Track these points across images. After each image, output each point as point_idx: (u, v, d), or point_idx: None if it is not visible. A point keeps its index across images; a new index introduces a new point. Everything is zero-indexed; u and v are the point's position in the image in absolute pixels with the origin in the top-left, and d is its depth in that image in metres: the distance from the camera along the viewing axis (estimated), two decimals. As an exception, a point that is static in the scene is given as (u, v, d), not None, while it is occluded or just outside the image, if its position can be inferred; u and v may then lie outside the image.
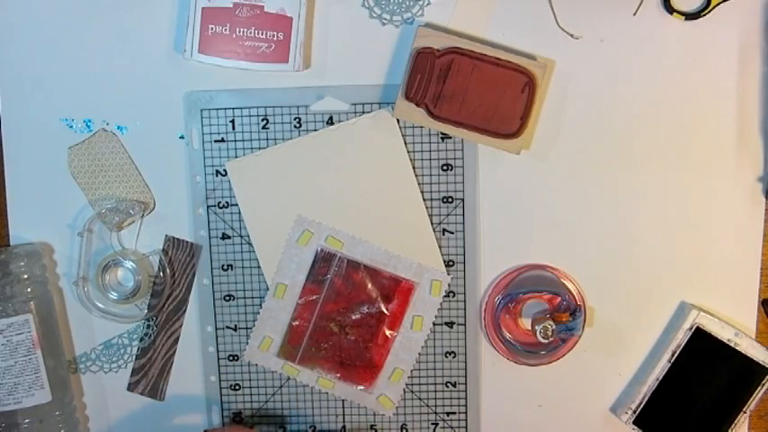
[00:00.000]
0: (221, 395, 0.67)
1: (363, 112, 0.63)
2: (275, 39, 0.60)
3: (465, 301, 0.65)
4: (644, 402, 0.64)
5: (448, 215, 0.64)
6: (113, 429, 0.68)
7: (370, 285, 0.64)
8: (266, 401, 0.67)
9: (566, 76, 0.62)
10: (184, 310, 0.66)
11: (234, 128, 0.64)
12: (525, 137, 0.61)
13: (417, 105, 0.60)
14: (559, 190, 0.64)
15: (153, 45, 0.63)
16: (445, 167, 0.64)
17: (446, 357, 0.66)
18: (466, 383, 0.66)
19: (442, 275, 0.64)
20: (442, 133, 0.63)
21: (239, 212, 0.65)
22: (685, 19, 0.61)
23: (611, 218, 0.64)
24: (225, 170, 0.64)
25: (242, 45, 0.60)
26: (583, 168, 0.63)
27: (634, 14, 0.62)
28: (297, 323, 0.65)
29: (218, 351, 0.67)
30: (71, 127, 0.65)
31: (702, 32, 0.61)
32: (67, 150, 0.65)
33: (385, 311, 0.65)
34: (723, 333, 0.62)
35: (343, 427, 0.67)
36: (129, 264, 0.64)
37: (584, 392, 0.66)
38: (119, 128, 0.65)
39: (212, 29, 0.60)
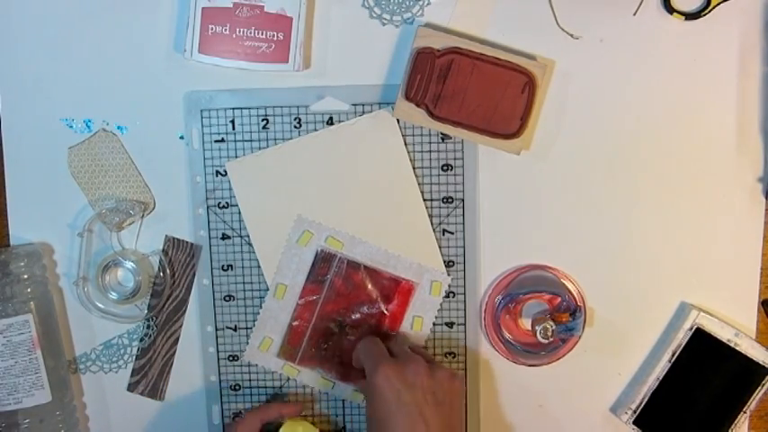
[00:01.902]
0: (221, 395, 0.67)
1: (363, 112, 0.63)
2: (275, 39, 0.60)
3: (465, 301, 0.65)
4: (644, 402, 0.64)
5: (448, 215, 0.64)
6: (113, 429, 0.68)
7: (370, 285, 0.64)
8: (266, 401, 0.67)
9: (566, 76, 0.62)
10: (184, 311, 0.66)
11: (234, 128, 0.64)
12: (525, 137, 0.61)
13: (417, 105, 0.60)
14: (559, 190, 0.64)
15: (153, 45, 0.63)
16: (445, 167, 0.64)
17: (446, 357, 0.66)
18: (466, 383, 0.66)
19: (441, 276, 0.64)
20: (441, 133, 0.63)
21: (239, 212, 0.65)
22: (685, 19, 0.61)
23: (611, 218, 0.64)
24: (225, 170, 0.64)
25: (242, 45, 0.60)
26: (583, 168, 0.63)
27: (634, 14, 0.62)
28: (297, 323, 0.65)
29: (218, 351, 0.67)
30: (71, 127, 0.65)
31: (702, 32, 0.61)
32: (67, 150, 0.65)
33: (385, 312, 0.65)
34: (723, 333, 0.62)
35: (344, 427, 0.67)
36: (129, 264, 0.64)
37: (584, 392, 0.66)
38: (119, 128, 0.65)
39: (212, 29, 0.60)
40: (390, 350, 0.60)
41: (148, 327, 0.67)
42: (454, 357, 0.66)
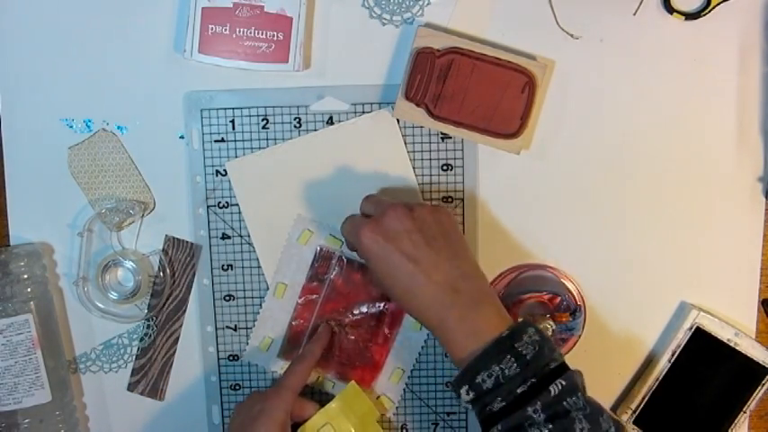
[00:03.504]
0: (221, 395, 0.67)
1: (363, 112, 0.63)
2: (275, 39, 0.61)
3: (465, 301, 0.65)
4: (644, 402, 0.64)
5: (448, 215, 0.64)
6: (113, 429, 0.68)
7: (369, 285, 0.64)
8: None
9: (566, 76, 0.62)
10: (184, 310, 0.66)
11: (234, 128, 0.64)
12: (525, 137, 0.61)
13: (417, 105, 0.60)
14: (559, 190, 0.64)
15: (153, 45, 0.63)
16: (445, 167, 0.64)
17: (446, 357, 0.66)
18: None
19: (441, 275, 0.64)
20: (442, 133, 0.63)
21: (239, 212, 0.65)
22: (685, 19, 0.61)
23: (611, 218, 0.64)
24: (225, 170, 0.64)
25: (242, 45, 0.61)
26: (583, 168, 0.63)
27: (634, 14, 0.62)
28: (297, 323, 0.65)
29: (218, 351, 0.67)
30: (71, 127, 0.65)
31: (702, 32, 0.61)
32: (67, 150, 0.65)
33: (385, 311, 0.65)
34: (723, 333, 0.62)
35: (343, 427, 0.67)
36: (129, 264, 0.64)
37: (585, 392, 0.66)
38: (119, 128, 0.65)
39: (212, 29, 0.60)
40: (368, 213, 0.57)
41: (148, 327, 0.67)
42: (454, 357, 0.66)
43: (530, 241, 0.64)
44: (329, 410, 0.61)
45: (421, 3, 0.62)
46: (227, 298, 0.66)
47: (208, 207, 0.65)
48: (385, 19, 0.62)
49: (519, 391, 0.48)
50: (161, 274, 0.66)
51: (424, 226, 0.53)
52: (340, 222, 0.64)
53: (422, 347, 0.65)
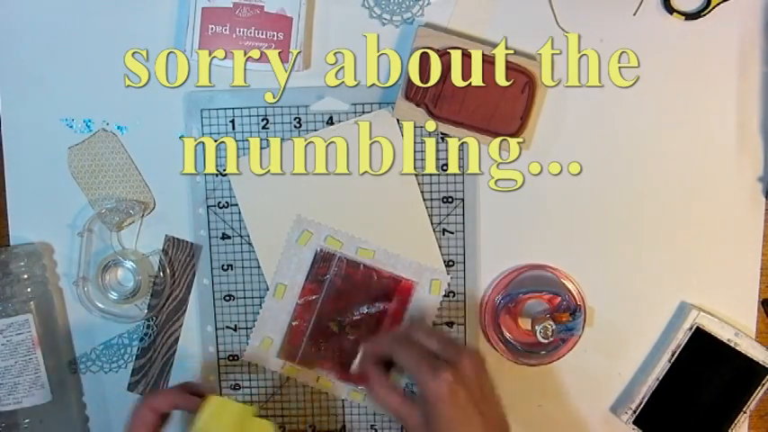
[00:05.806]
0: (221, 395, 0.67)
1: (363, 112, 0.63)
2: (275, 39, 0.61)
3: (465, 301, 0.65)
4: (644, 402, 0.64)
5: (448, 215, 0.64)
6: (113, 429, 0.68)
7: (369, 285, 0.64)
8: (266, 401, 0.67)
9: (566, 77, 0.62)
10: (184, 310, 0.66)
11: (234, 128, 0.64)
12: (525, 137, 0.61)
13: (417, 105, 0.60)
14: (559, 190, 0.64)
15: (153, 45, 0.63)
16: (445, 167, 0.64)
17: (446, 357, 0.66)
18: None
19: (441, 275, 0.64)
20: (442, 133, 0.63)
21: (239, 212, 0.65)
22: (685, 19, 0.61)
23: (611, 218, 0.64)
24: (225, 170, 0.64)
25: (242, 45, 0.61)
26: (582, 168, 0.63)
27: (634, 14, 0.62)
28: (297, 323, 0.65)
29: (218, 351, 0.67)
30: (71, 127, 0.65)
31: (702, 32, 0.61)
32: (67, 150, 0.65)
33: (385, 311, 0.65)
34: (723, 333, 0.62)
35: (343, 426, 0.67)
36: (129, 264, 0.64)
37: (585, 392, 0.66)
38: (119, 128, 0.65)
39: (212, 29, 0.60)
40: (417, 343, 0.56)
41: (148, 327, 0.67)
42: (454, 357, 0.66)
43: (530, 241, 0.64)
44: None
45: (421, 3, 0.62)
46: (227, 298, 0.66)
47: (208, 207, 0.65)
48: (385, 19, 0.62)
49: None
50: (161, 274, 0.66)
51: (483, 381, 0.54)
52: (340, 223, 0.64)
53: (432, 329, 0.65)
